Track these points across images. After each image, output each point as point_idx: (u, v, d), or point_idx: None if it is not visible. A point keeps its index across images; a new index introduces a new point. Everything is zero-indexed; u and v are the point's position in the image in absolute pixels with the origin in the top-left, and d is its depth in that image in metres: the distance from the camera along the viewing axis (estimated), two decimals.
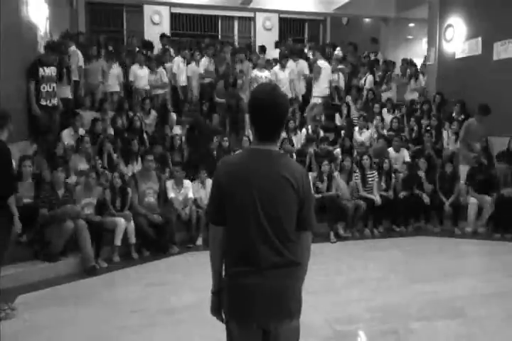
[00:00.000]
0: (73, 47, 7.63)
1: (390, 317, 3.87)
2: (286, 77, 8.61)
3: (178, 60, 8.80)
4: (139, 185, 5.76)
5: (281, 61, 8.74)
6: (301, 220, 1.88)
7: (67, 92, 7.08)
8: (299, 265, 1.88)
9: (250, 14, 13.81)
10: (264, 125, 1.86)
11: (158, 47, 9.95)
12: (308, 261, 1.96)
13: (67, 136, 6.50)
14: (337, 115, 8.67)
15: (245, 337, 1.85)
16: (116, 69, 8.01)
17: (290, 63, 8.83)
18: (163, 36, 10.13)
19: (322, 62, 8.59)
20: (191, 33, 13.60)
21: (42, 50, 6.62)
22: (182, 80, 8.76)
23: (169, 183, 6.12)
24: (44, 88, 6.17)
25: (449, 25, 8.75)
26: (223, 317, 1.94)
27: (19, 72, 5.87)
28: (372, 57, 10.42)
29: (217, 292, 1.97)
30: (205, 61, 8.78)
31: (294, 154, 7.19)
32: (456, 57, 8.57)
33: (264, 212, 1.80)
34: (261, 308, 1.81)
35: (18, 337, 3.52)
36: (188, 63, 8.82)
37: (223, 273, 1.93)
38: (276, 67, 8.71)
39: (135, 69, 8.17)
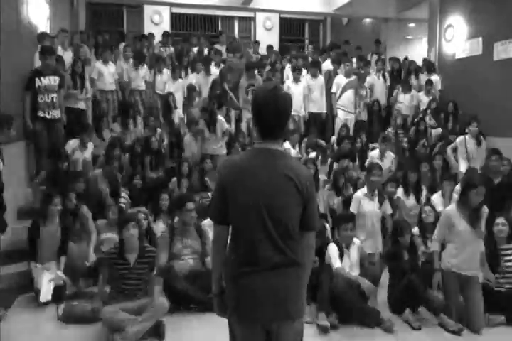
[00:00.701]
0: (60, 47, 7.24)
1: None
2: (300, 91, 7.68)
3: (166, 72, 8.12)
4: (173, 243, 4.21)
5: (295, 73, 7.84)
6: (305, 221, 1.87)
7: (80, 102, 6.69)
8: (302, 265, 1.87)
9: (250, 14, 13.80)
10: (267, 124, 1.87)
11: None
12: (311, 260, 1.95)
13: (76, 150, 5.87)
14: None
15: (248, 337, 1.85)
16: (111, 67, 7.60)
17: (304, 77, 7.97)
18: (165, 35, 9.81)
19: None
20: (192, 33, 13.60)
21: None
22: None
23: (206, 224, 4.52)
24: (42, 99, 5.75)
25: (449, 25, 8.74)
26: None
27: (19, 73, 5.84)
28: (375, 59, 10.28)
29: (219, 293, 1.97)
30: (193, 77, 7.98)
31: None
32: (457, 57, 8.56)
33: (267, 212, 1.80)
34: (263, 308, 1.81)
35: (18, 337, 3.51)
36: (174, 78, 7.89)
37: (227, 274, 1.92)
38: (289, 81, 7.89)
39: (129, 70, 7.78)
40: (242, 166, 1.86)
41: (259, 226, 1.80)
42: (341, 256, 4.00)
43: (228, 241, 1.92)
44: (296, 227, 1.85)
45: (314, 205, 1.91)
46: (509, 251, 4.01)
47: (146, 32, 12.94)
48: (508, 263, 3.96)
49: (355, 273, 3.99)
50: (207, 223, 4.47)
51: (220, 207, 1.89)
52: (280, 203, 1.81)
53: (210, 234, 4.10)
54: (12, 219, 5.17)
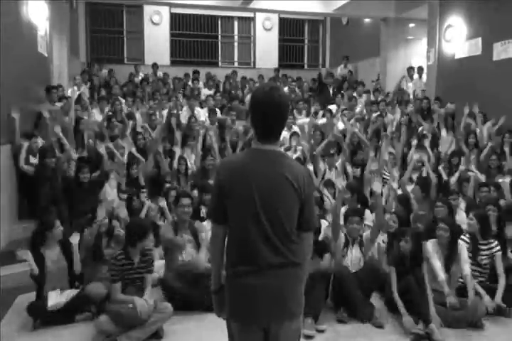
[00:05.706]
0: (57, 104, 6.88)
1: None
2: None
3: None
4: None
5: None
6: (303, 221, 1.88)
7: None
8: (300, 265, 1.88)
9: (250, 14, 13.81)
10: (264, 125, 1.86)
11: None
12: (309, 261, 1.95)
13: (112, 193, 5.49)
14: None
15: (246, 336, 1.85)
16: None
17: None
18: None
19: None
20: (191, 33, 13.61)
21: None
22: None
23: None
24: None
25: (449, 26, 8.75)
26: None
27: (18, 72, 5.85)
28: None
29: (218, 291, 1.98)
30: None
31: None
32: (456, 57, 8.57)
33: (264, 212, 1.80)
34: (262, 308, 1.81)
35: (18, 337, 3.52)
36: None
37: (224, 273, 1.93)
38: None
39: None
40: (239, 166, 1.86)
41: (257, 225, 1.80)
42: (346, 246, 4.02)
43: (226, 240, 1.92)
44: (293, 227, 1.86)
45: (312, 205, 1.91)
46: (484, 246, 4.10)
47: (145, 32, 13.01)
48: (484, 259, 4.08)
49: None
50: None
51: (217, 206, 1.89)
52: (277, 203, 1.81)
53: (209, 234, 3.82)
54: (12, 219, 5.18)
